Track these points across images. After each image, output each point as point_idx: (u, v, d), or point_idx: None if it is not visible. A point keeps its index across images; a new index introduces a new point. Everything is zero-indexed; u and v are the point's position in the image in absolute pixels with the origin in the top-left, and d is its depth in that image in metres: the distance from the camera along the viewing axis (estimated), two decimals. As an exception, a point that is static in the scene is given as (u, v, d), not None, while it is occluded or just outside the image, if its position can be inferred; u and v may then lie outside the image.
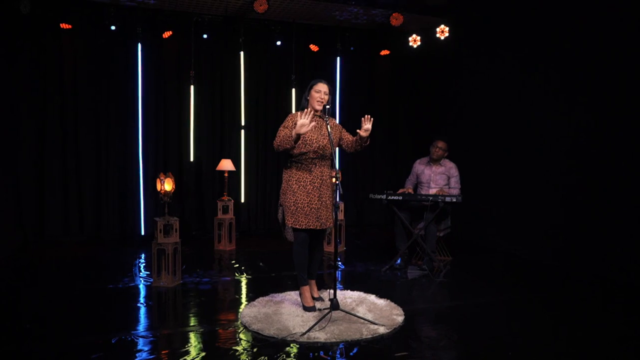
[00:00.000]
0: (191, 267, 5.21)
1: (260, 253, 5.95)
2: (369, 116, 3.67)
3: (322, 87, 3.72)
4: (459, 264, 5.40)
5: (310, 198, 3.66)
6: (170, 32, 6.59)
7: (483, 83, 6.45)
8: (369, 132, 3.67)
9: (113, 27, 6.28)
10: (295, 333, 3.25)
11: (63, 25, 6.18)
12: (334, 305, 3.48)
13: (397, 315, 3.62)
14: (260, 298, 4.07)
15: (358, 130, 3.67)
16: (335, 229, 3.67)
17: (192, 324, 3.59)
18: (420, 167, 5.46)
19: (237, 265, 5.41)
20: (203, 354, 3.00)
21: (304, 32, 7.14)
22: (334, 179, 3.68)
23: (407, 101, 7.94)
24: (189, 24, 6.56)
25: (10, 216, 5.95)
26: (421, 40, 7.19)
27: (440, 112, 7.32)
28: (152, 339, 3.25)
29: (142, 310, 3.88)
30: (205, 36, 6.70)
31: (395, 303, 3.93)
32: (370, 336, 3.25)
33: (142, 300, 4.15)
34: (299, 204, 3.65)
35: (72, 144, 6.46)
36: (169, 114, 6.81)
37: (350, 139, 3.90)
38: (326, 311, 3.49)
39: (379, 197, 5.13)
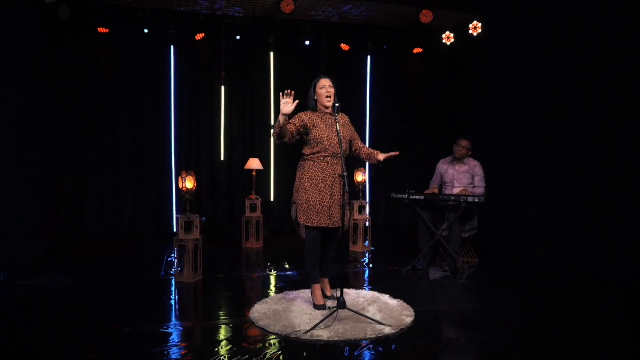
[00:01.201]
0: (217, 264, 5.33)
1: (286, 251, 6.01)
2: (397, 153, 3.79)
3: (325, 82, 3.72)
4: (483, 266, 5.26)
5: (322, 196, 3.66)
6: (203, 35, 6.74)
7: (514, 81, 6.23)
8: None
9: (146, 30, 6.50)
10: (299, 331, 3.26)
11: (100, 30, 6.44)
12: (341, 304, 3.46)
13: (407, 317, 3.57)
14: (274, 295, 4.11)
15: (382, 154, 3.80)
16: (343, 227, 3.63)
17: (201, 318, 3.67)
18: (444, 167, 5.36)
19: (261, 263, 5.48)
20: (205, 346, 3.06)
21: (334, 32, 7.13)
22: (351, 176, 3.66)
23: (441, 100, 7.80)
24: (220, 25, 6.68)
25: (52, 213, 6.27)
26: (455, 37, 7.06)
27: (473, 111, 7.14)
28: (160, 330, 3.33)
29: (157, 304, 3.99)
30: (238, 37, 6.82)
31: (408, 304, 3.86)
32: (374, 336, 3.22)
33: (159, 294, 4.26)
34: (311, 202, 3.65)
35: (110, 144, 6.73)
36: (201, 115, 6.98)
37: (363, 148, 3.92)
38: (334, 310, 3.48)
39: (400, 196, 5.07)
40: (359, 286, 4.49)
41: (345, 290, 4.25)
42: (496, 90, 6.62)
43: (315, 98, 3.76)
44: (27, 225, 5.24)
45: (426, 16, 6.45)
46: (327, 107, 3.73)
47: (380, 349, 3.05)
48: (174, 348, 3.05)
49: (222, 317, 3.66)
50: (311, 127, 3.67)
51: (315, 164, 3.69)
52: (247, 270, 5.19)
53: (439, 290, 4.47)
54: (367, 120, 7.47)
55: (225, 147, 7.04)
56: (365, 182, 6.13)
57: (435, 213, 5.14)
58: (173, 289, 4.42)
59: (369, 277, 4.97)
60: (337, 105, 3.62)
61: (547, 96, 5.64)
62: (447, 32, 7.09)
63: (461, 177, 5.23)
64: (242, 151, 7.15)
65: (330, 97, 3.69)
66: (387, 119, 7.63)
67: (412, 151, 7.84)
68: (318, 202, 3.65)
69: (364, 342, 3.14)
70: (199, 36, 6.74)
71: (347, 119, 3.90)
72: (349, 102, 7.54)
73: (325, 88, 3.71)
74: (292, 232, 7.20)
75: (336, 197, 3.71)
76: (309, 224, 3.66)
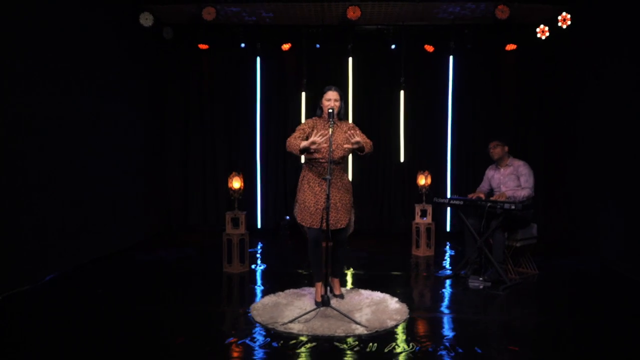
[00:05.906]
0: (277, 258, 5.75)
1: (356, 251, 6.06)
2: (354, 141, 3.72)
3: (331, 95, 3.87)
4: (543, 279, 4.89)
5: (317, 199, 3.83)
6: (290, 45, 7.23)
7: (606, 76, 5.59)
8: (355, 144, 3.73)
9: (243, 45, 7.17)
10: (277, 322, 3.50)
11: (201, 46, 7.29)
12: (325, 301, 3.61)
13: (393, 320, 3.56)
14: (290, 289, 4.36)
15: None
16: (328, 227, 3.71)
17: (205, 304, 4.07)
18: (490, 173, 5.12)
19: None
20: (193, 332, 3.48)
21: (415, 33, 7.08)
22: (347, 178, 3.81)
23: (532, 99, 7.22)
24: (300, 35, 7.10)
25: (159, 207, 7.35)
26: (549, 30, 6.54)
27: (568, 112, 6.51)
28: (161, 312, 3.84)
29: (187, 289, 4.54)
30: (317, 46, 7.16)
31: (413, 309, 3.86)
32: (343, 334, 3.32)
33: (199, 281, 4.82)
34: (306, 203, 3.86)
35: (209, 148, 7.60)
36: (285, 121, 7.48)
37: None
38: (315, 307, 3.67)
39: (442, 200, 4.98)
40: (380, 288, 4.45)
41: (360, 290, 4.37)
42: (588, 85, 5.97)
43: (321, 106, 3.95)
44: (139, 213, 6.55)
45: (502, 11, 6.12)
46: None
47: (338, 345, 3.16)
48: (157, 329, 3.53)
49: (227, 305, 4.09)
50: (310, 134, 3.85)
51: (314, 167, 3.89)
52: (297, 265, 5.40)
53: (465, 299, 4.29)
54: (449, 123, 7.26)
55: (307, 150, 7.44)
56: (427, 185, 6.02)
57: (481, 219, 4.90)
58: (215, 278, 4.92)
59: (403, 280, 4.93)
60: (330, 111, 3.77)
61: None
62: (542, 26, 6.60)
63: (507, 180, 4.93)
64: (325, 154, 7.48)
65: (329, 110, 3.81)
66: (472, 120, 7.32)
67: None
68: (313, 204, 3.83)
69: (330, 338, 3.26)
70: (286, 46, 7.24)
71: (348, 124, 4.01)
72: (430, 104, 7.41)
73: (330, 102, 3.88)
74: (371, 233, 7.40)
75: (334, 200, 3.83)
76: (303, 224, 3.89)
